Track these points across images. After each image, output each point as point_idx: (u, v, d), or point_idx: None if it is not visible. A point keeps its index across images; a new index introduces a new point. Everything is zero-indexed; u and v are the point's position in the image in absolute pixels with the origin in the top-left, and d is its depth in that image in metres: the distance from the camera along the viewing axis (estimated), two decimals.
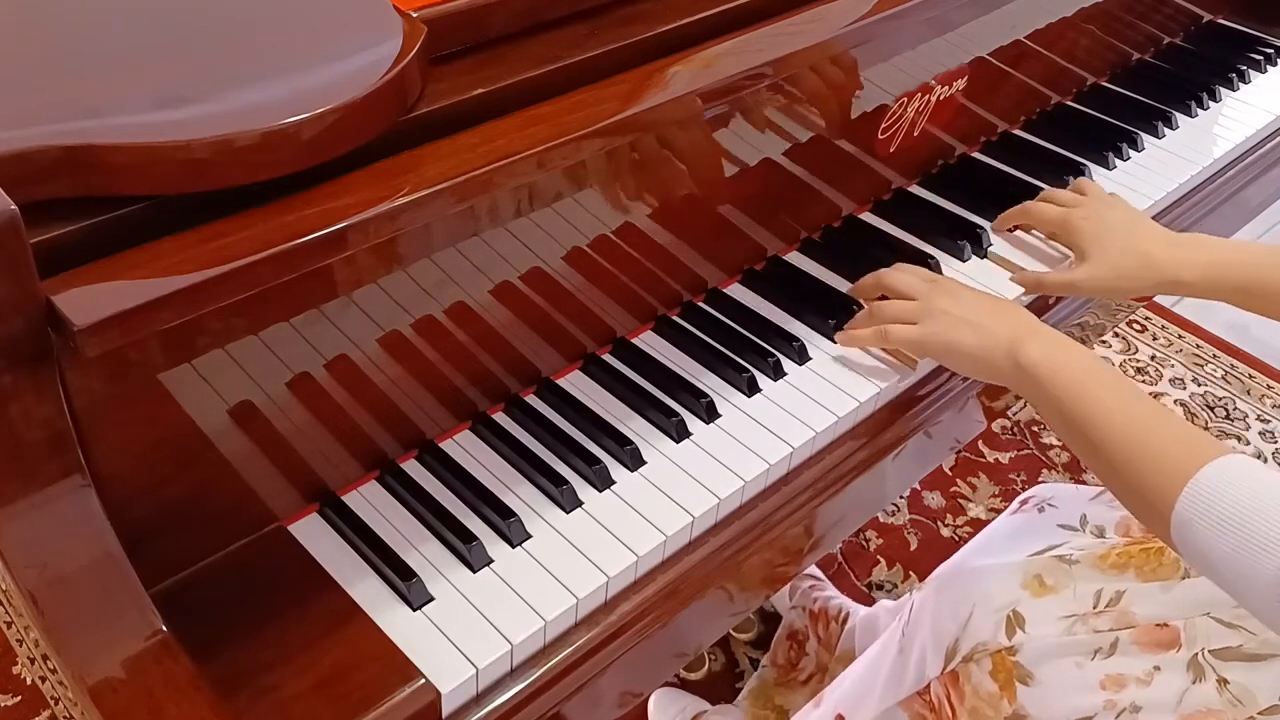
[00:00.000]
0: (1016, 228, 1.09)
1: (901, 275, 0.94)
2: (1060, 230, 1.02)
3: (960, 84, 1.09)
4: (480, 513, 0.78)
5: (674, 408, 0.87)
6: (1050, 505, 1.04)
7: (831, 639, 1.39)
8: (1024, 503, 1.09)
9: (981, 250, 1.07)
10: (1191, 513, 0.69)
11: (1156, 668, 0.85)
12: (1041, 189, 1.11)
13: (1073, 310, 1.08)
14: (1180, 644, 0.85)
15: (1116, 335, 2.06)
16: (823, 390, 0.90)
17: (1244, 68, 1.39)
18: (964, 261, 1.05)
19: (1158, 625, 0.86)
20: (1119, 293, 0.98)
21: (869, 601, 1.51)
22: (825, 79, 0.94)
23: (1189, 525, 0.69)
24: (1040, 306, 1.05)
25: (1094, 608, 0.89)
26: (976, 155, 1.21)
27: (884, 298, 0.94)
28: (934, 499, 1.75)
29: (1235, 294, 0.94)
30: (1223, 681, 0.82)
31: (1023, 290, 1.02)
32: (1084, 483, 1.76)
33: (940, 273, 1.03)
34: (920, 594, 1.04)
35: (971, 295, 0.91)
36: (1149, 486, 0.72)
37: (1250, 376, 2.01)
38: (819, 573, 1.53)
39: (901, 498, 1.73)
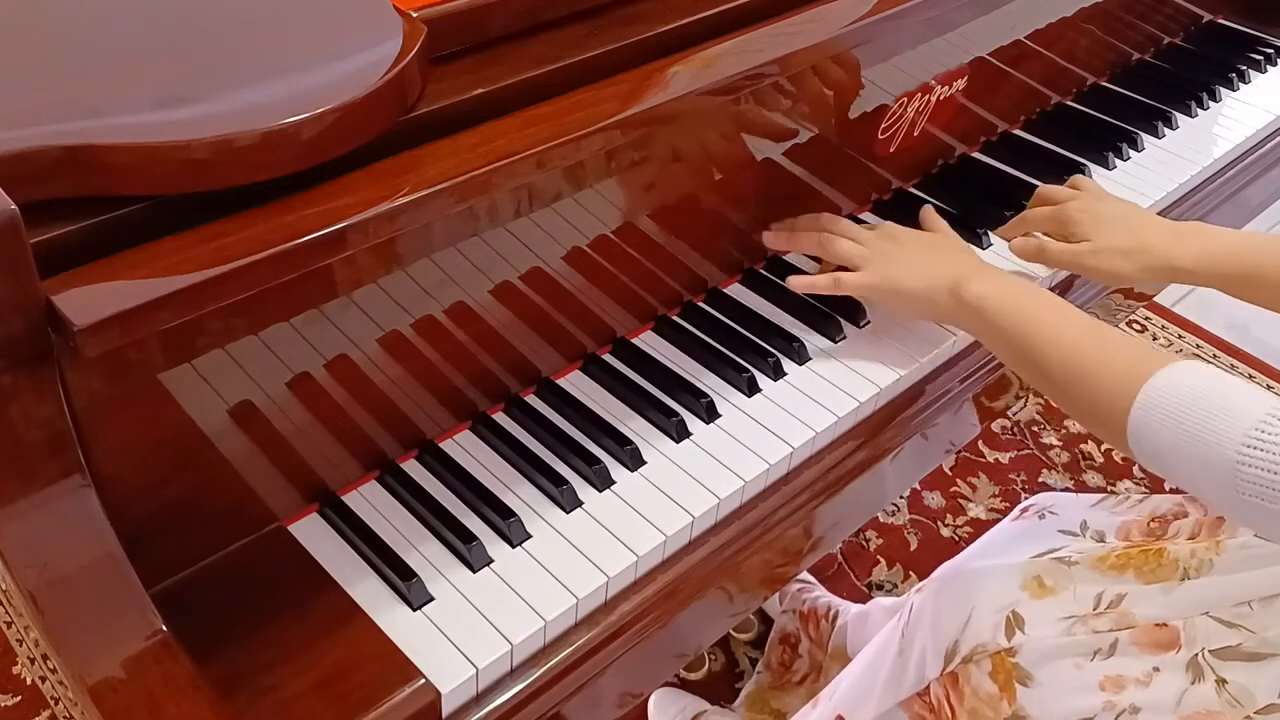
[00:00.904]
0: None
1: (844, 223, 0.97)
2: (1058, 226, 1.01)
3: (960, 84, 1.09)
4: (480, 513, 0.78)
5: (674, 408, 0.87)
6: (1051, 513, 1.04)
7: (823, 637, 1.39)
8: (1025, 510, 1.09)
9: (981, 250, 1.07)
10: (1146, 416, 0.72)
11: (1156, 669, 0.84)
12: None
13: None
14: (1180, 644, 0.85)
15: None
16: (823, 390, 0.90)
17: (1244, 68, 1.39)
18: None
19: (1157, 625, 0.86)
20: (1119, 276, 0.97)
21: (868, 601, 1.51)
22: (825, 79, 0.94)
23: (1144, 427, 0.72)
24: None
25: (1094, 609, 0.89)
26: (976, 155, 1.21)
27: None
28: (934, 499, 1.74)
29: (1233, 282, 0.94)
30: (1221, 681, 0.82)
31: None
32: (1084, 485, 1.76)
33: None
34: (920, 595, 1.04)
35: (913, 237, 0.94)
36: (1101, 397, 0.75)
37: (1250, 377, 2.01)
38: (807, 575, 1.54)
39: (901, 498, 1.73)
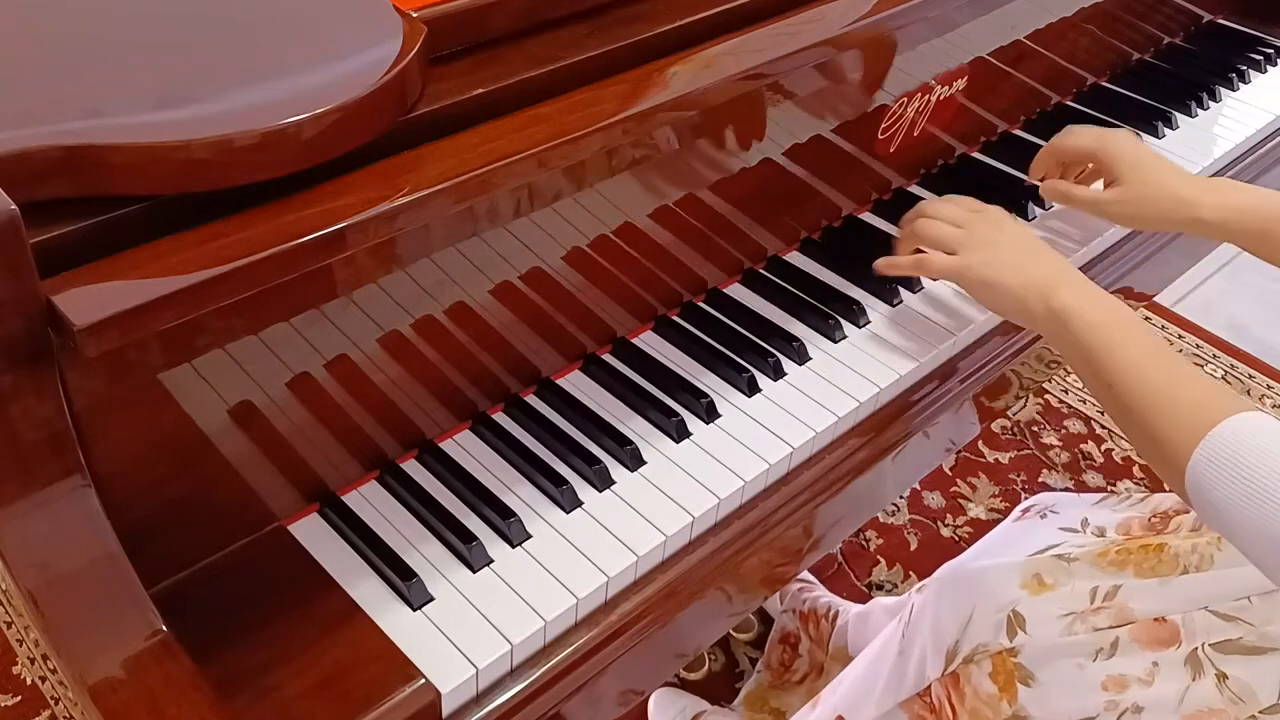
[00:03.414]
0: (1045, 177, 1.08)
1: (945, 205, 0.94)
2: (1098, 151, 1.01)
3: (960, 84, 1.09)
4: (480, 513, 0.78)
5: (674, 408, 0.87)
6: (1052, 512, 1.05)
7: (824, 637, 1.39)
8: (1026, 510, 1.09)
9: None
10: (1207, 466, 0.69)
11: (1155, 664, 0.85)
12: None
13: None
14: (1180, 639, 0.85)
15: None
16: (823, 390, 0.90)
17: (1244, 68, 1.39)
18: None
19: (1156, 621, 0.86)
20: (1141, 222, 0.99)
21: (868, 601, 1.51)
22: (825, 79, 0.94)
23: (1203, 478, 0.69)
24: None
25: (1091, 604, 0.89)
26: (976, 155, 1.21)
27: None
28: (934, 499, 1.75)
29: (1251, 239, 0.94)
30: (1222, 677, 0.82)
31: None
32: (1084, 485, 1.76)
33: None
34: (920, 595, 1.04)
35: (1015, 230, 0.90)
36: (1167, 437, 0.73)
37: (1250, 376, 2.01)
38: (808, 574, 1.54)
39: (901, 498, 1.73)
